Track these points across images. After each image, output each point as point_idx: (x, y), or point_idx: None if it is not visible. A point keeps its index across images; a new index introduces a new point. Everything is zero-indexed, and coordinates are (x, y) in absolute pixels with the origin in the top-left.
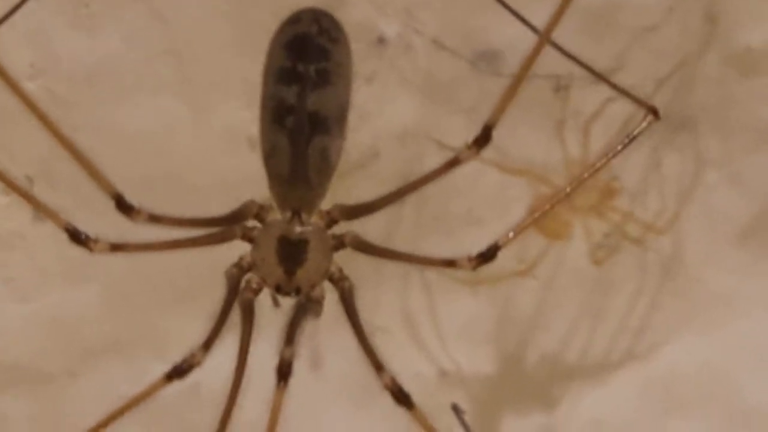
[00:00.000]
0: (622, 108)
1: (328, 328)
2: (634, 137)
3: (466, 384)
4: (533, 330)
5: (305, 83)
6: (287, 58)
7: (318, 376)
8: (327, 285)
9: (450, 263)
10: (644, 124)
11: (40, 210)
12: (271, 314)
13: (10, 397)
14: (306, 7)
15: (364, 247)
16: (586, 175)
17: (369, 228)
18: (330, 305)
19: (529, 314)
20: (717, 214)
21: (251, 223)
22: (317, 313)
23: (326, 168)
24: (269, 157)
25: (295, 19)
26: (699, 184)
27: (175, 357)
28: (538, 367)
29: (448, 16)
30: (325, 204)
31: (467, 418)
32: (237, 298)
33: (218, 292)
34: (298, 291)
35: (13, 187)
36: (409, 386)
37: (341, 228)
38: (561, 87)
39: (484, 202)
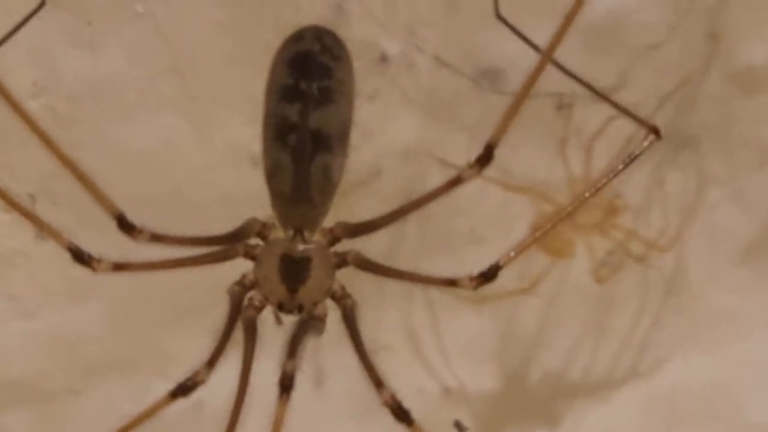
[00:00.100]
0: (625, 126)
1: (331, 345)
2: (636, 157)
3: (470, 401)
4: (536, 347)
5: (308, 101)
6: (290, 75)
7: (321, 393)
8: (329, 303)
9: (451, 282)
10: (645, 144)
11: (43, 229)
12: (274, 332)
13: (12, 414)
14: (309, 24)
15: (367, 265)
16: (588, 193)
17: (371, 246)
18: (333, 323)
19: (532, 332)
20: (719, 232)
21: (254, 241)
22: (320, 330)
23: (329, 186)
24: (272, 175)
25: (297, 36)
26: (702, 202)
27: (177, 375)
28: (541, 384)
29: (451, 33)
30: (328, 222)
31: None
32: (240, 315)
33: (220, 310)
34: (300, 309)
35: (15, 205)
36: (412, 403)
37: (344, 246)
38: (563, 105)
39: (486, 221)
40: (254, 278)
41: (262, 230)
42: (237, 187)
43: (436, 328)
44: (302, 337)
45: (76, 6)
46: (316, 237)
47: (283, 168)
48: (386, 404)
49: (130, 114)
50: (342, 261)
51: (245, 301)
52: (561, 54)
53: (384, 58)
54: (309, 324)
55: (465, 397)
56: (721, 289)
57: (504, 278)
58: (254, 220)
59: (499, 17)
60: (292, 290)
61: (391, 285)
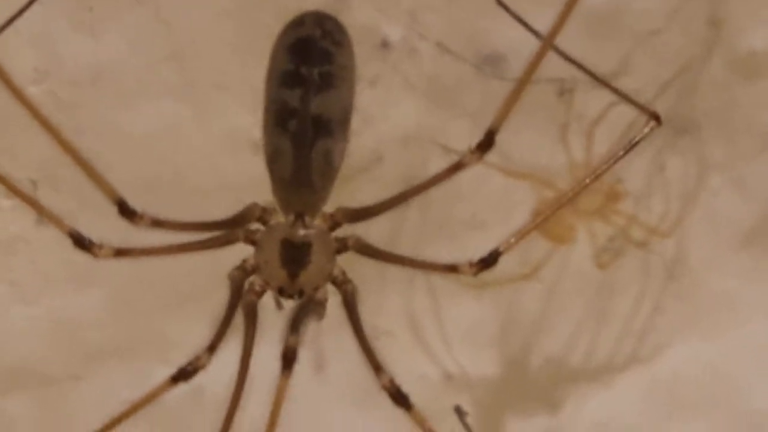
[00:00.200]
0: (626, 111)
1: (331, 330)
2: (637, 143)
3: (471, 387)
4: (537, 333)
5: (309, 86)
6: (291, 61)
7: (321, 378)
8: (330, 288)
9: (452, 269)
10: (646, 130)
11: (44, 215)
12: (274, 317)
13: (13, 399)
14: (309, 10)
15: (367, 250)
16: (589, 179)
17: (372, 231)
18: (333, 308)
19: (533, 317)
20: (720, 218)
21: (254, 226)
22: (320, 315)
23: (329, 171)
24: (272, 161)
25: (298, 22)
26: (702, 188)
27: (178, 361)
28: (543, 370)
29: (452, 19)
30: (329, 207)
31: (471, 420)
32: (240, 300)
33: (220, 295)
34: (301, 293)
35: (16, 191)
36: (413, 389)
37: (344, 231)
38: (565, 91)
39: (487, 206)
40: (255, 263)
41: (262, 215)
42: (237, 173)
43: (437, 313)
44: (304, 317)
45: None
46: (317, 222)
47: (283, 153)
48: (385, 388)
49: (131, 100)
50: (343, 246)
51: (246, 286)
52: (562, 40)
53: (385, 44)
54: (309, 309)
55: (466, 383)
56: (721, 275)
57: (505, 264)
58: (255, 205)
59: (501, 3)
60: (293, 275)
61: (392, 270)
